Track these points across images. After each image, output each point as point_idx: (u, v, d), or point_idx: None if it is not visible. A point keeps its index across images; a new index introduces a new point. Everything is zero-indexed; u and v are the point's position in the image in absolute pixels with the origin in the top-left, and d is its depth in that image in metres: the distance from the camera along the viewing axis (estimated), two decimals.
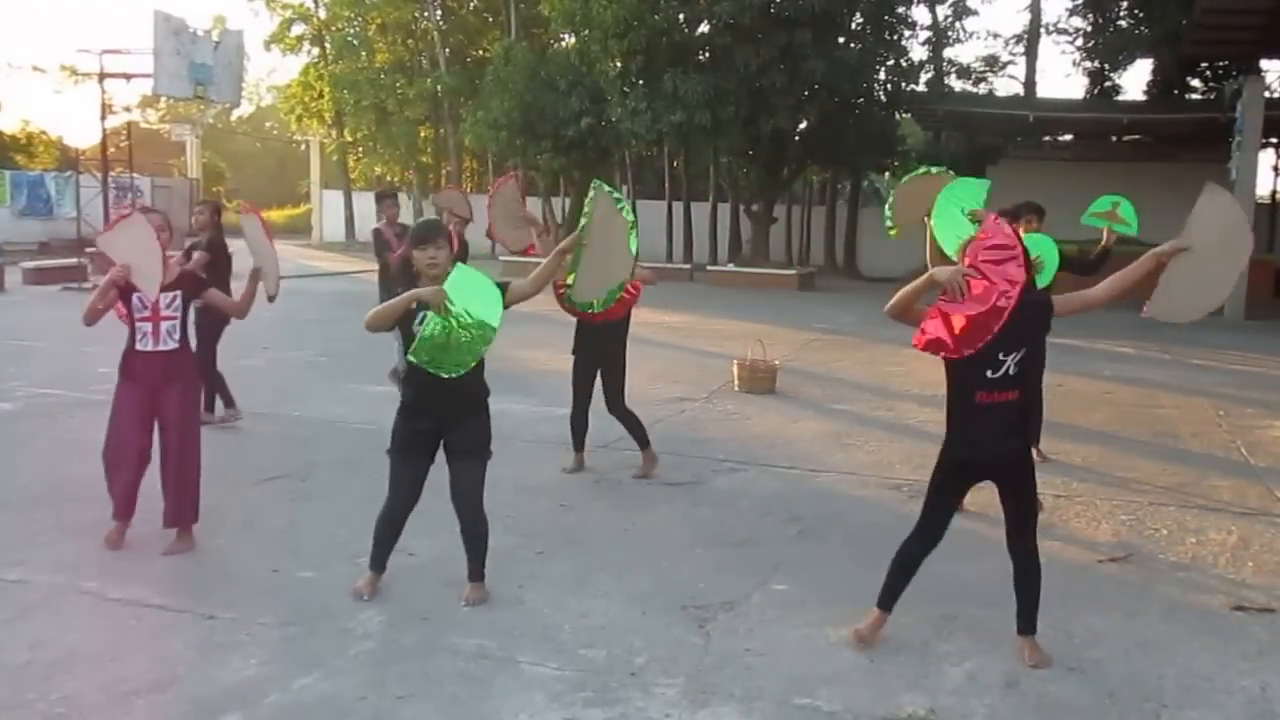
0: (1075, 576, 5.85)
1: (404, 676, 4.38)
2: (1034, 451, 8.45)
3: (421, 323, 4.88)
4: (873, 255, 30.64)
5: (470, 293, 4.92)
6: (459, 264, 5.07)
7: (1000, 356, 4.46)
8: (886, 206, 7.45)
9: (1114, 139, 31.64)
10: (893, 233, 7.15)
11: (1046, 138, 32.75)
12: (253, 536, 6.15)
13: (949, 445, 4.72)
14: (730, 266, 28.09)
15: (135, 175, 25.55)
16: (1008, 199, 9.48)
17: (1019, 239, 4.50)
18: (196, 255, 8.43)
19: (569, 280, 6.58)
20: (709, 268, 27.98)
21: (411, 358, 4.91)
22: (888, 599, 4.84)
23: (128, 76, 23.32)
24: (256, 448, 8.35)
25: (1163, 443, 9.39)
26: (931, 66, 32.19)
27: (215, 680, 4.33)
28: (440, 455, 5.19)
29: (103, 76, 22.57)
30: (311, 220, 44.79)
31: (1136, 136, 31.30)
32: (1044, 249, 7.20)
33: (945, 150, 30.56)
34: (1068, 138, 33.16)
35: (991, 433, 4.58)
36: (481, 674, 4.42)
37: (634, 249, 6.16)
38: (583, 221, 6.07)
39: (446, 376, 4.90)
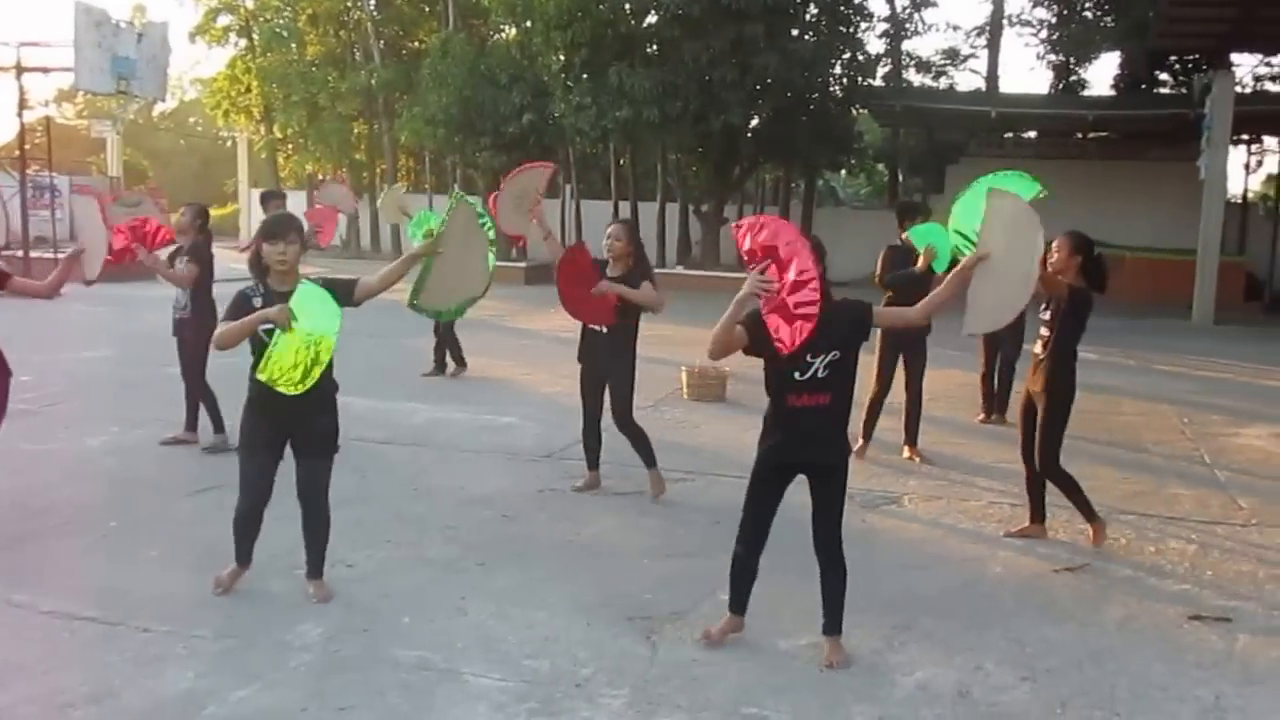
0: (1031, 586, 6.08)
1: (345, 688, 4.50)
2: (911, 453, 8.98)
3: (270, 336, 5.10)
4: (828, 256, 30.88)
5: (313, 310, 5.14)
6: (304, 280, 5.24)
7: (809, 359, 4.73)
8: None
9: (1079, 136, 32.15)
10: None
11: (1009, 134, 33.18)
12: (188, 548, 6.25)
13: (763, 448, 5.04)
14: (679, 269, 28.28)
15: (54, 174, 25.34)
16: None
17: (761, 228, 4.73)
18: (181, 264, 8.46)
19: (414, 286, 6.07)
20: (657, 271, 28.04)
21: (260, 376, 5.13)
22: (736, 603, 5.13)
23: (46, 70, 23.16)
24: (192, 458, 8.43)
25: (1125, 450, 9.68)
26: (889, 60, 32.60)
27: (152, 693, 4.44)
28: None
29: (20, 70, 22.36)
30: (239, 221, 44.47)
31: (1103, 133, 31.83)
32: (935, 236, 8.06)
33: (904, 147, 31.00)
34: (1032, 134, 33.64)
35: (801, 435, 4.87)
36: (424, 685, 4.56)
37: (490, 265, 6.04)
38: (438, 230, 5.88)
39: (289, 394, 5.12)
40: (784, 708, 4.48)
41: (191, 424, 8.70)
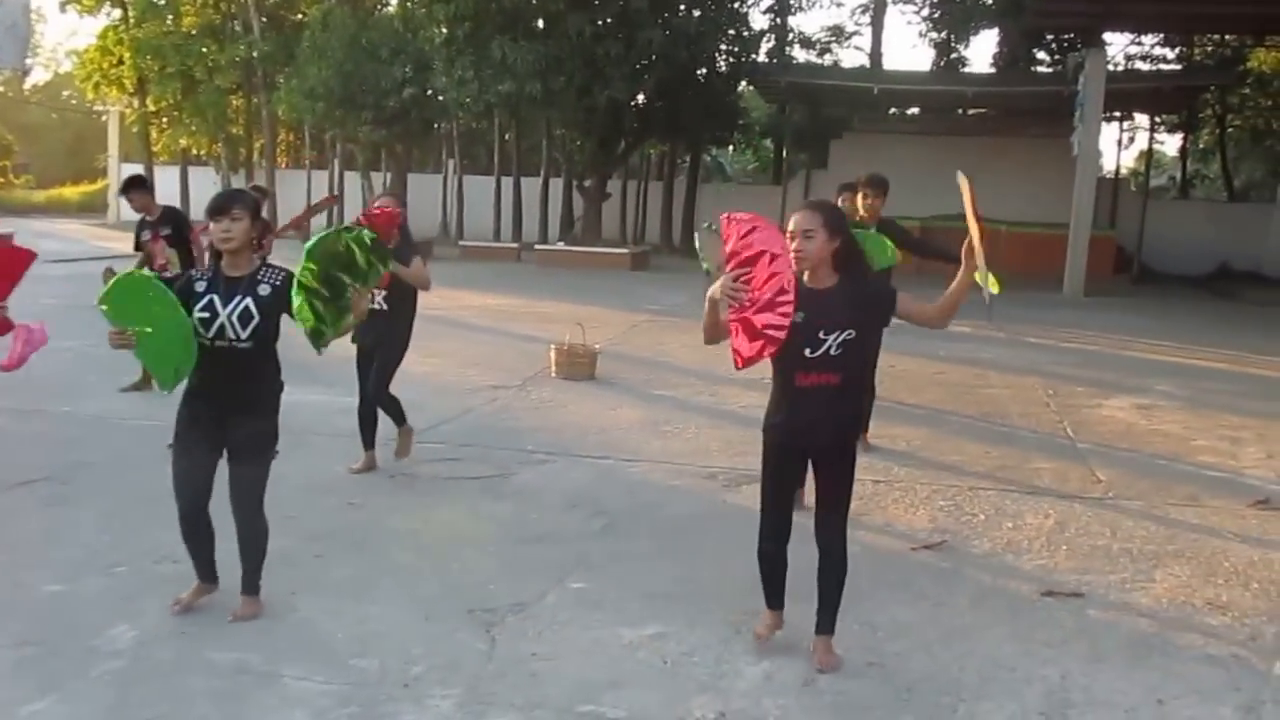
0: (886, 566, 5.94)
1: (151, 697, 4.18)
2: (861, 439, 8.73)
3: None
4: None
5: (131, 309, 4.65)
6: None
7: (821, 335, 4.41)
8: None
9: (960, 112, 32.54)
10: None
11: (892, 110, 33.48)
12: (1, 547, 5.84)
13: (768, 429, 4.69)
14: (560, 245, 27.99)
15: None
16: (852, 173, 9.59)
17: (752, 230, 4.36)
18: None
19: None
20: (538, 247, 27.85)
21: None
22: (772, 599, 4.88)
23: None
24: (16, 448, 7.90)
25: (990, 424, 9.66)
26: (774, 36, 32.66)
27: None
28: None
29: None
30: (108, 197, 43.17)
31: (983, 110, 32.25)
32: (871, 244, 7.32)
33: (789, 123, 31.04)
34: (914, 110, 33.97)
35: (808, 416, 4.54)
36: (238, 691, 4.27)
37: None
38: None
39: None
40: (621, 704, 4.26)
41: None
